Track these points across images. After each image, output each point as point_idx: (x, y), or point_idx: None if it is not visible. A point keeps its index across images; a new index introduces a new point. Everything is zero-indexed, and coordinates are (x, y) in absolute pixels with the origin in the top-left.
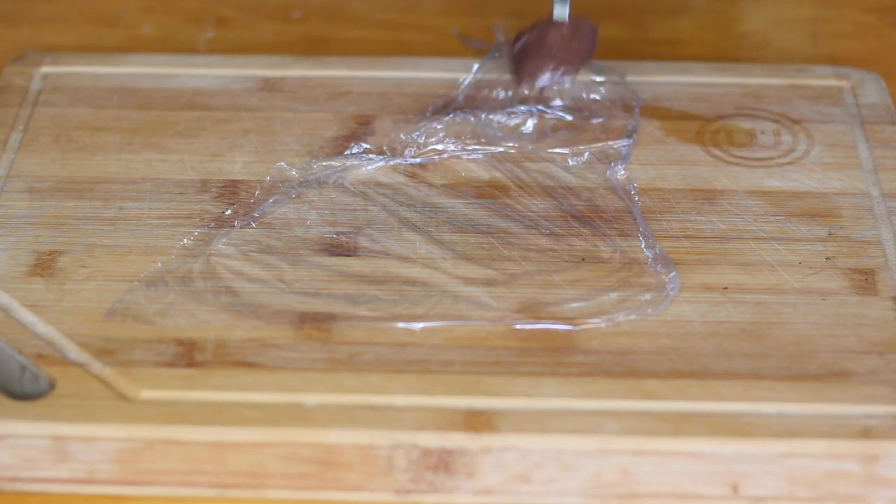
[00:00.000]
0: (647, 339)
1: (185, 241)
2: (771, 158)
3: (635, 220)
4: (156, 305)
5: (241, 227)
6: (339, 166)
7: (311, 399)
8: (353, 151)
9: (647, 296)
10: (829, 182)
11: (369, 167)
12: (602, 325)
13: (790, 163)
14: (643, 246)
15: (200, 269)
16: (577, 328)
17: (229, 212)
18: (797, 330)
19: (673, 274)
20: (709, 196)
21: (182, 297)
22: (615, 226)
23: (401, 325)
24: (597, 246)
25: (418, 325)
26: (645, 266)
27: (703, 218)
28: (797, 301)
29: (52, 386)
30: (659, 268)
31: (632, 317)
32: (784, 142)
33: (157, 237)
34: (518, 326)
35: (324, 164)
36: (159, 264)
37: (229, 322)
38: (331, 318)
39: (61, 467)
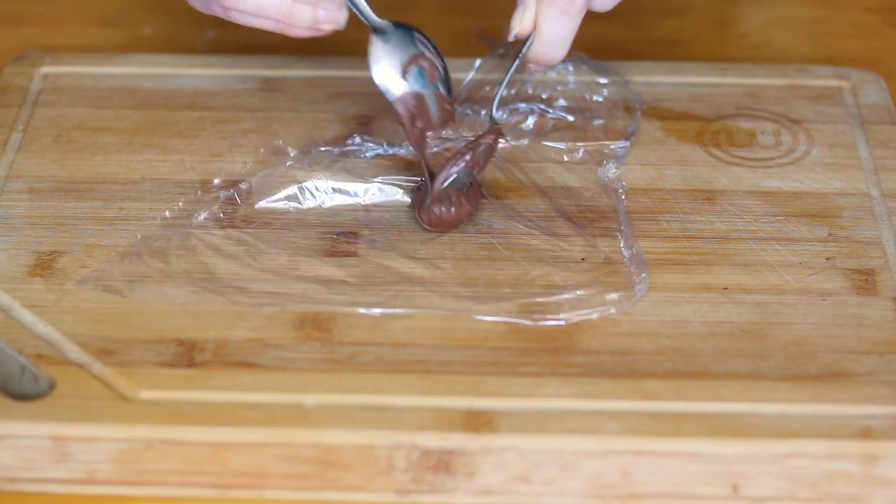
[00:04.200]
0: (647, 339)
1: (167, 213)
2: (771, 159)
3: (619, 218)
4: (126, 277)
5: (224, 199)
6: (336, 152)
7: (311, 399)
8: (355, 142)
9: (614, 296)
10: (829, 182)
11: (367, 154)
12: (562, 323)
13: (790, 163)
14: (622, 245)
15: (178, 245)
16: (535, 324)
17: (218, 181)
18: (797, 330)
19: (644, 275)
20: (709, 196)
21: (155, 272)
22: (598, 224)
23: (397, 322)
24: (564, 243)
25: (412, 311)
26: (618, 265)
27: (703, 218)
28: (797, 301)
29: (52, 386)
30: (632, 268)
31: (594, 316)
32: (784, 142)
33: (158, 237)
34: (477, 318)
35: (322, 149)
36: (139, 235)
37: (230, 322)
38: (331, 318)
39: (61, 467)
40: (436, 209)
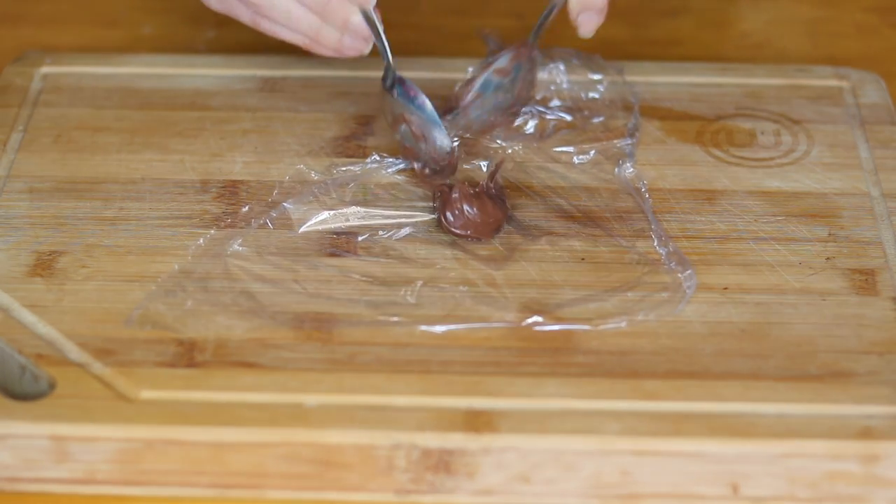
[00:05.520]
0: (647, 339)
1: (201, 241)
2: (771, 159)
3: (646, 217)
4: (175, 312)
5: (257, 228)
6: (359, 171)
7: (311, 399)
8: (374, 159)
9: (664, 295)
10: (829, 182)
11: (389, 170)
12: (623, 326)
13: (790, 163)
14: (655, 244)
15: (219, 274)
16: (595, 328)
17: (246, 208)
18: (797, 330)
19: (688, 272)
20: (709, 196)
21: (201, 303)
22: (626, 224)
23: (399, 328)
24: (598, 245)
25: (418, 328)
26: (658, 264)
27: (703, 218)
28: (797, 301)
29: (52, 386)
30: (673, 265)
31: (651, 316)
32: (784, 142)
33: (157, 237)
34: (537, 329)
35: (343, 168)
36: (176, 266)
37: (230, 322)
38: (331, 318)
39: (61, 467)
40: (465, 209)
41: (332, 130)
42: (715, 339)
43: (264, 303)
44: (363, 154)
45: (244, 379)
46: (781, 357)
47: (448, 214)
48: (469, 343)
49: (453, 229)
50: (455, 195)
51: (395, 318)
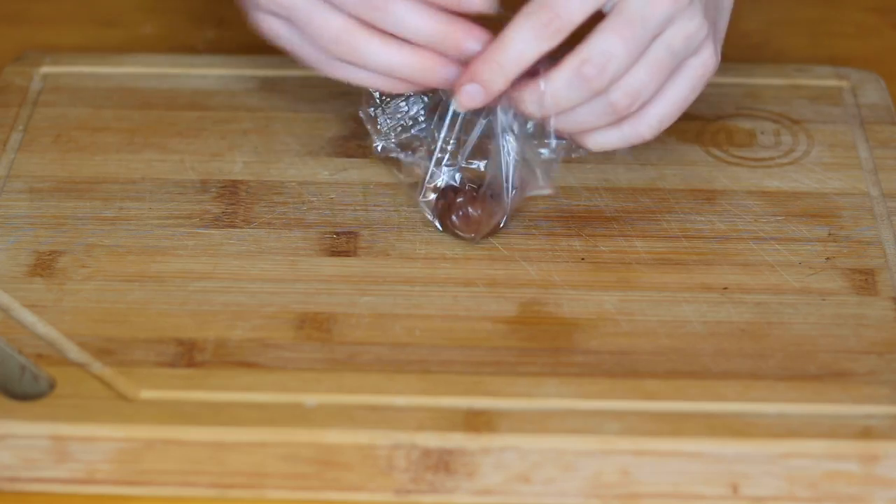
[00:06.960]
0: (647, 339)
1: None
2: (771, 158)
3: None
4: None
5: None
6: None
7: (311, 399)
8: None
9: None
10: (829, 182)
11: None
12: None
13: (790, 163)
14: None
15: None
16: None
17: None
18: (797, 330)
19: None
20: (709, 196)
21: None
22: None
23: (397, 322)
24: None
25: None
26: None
27: (702, 218)
28: (797, 301)
29: (52, 386)
30: None
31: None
32: (784, 142)
33: (157, 237)
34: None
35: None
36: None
37: (230, 322)
38: (331, 318)
39: (61, 467)
40: (469, 211)
41: (332, 130)
42: (715, 338)
43: (264, 303)
44: (363, 154)
45: (244, 379)
46: (781, 357)
47: (453, 217)
48: (469, 343)
49: (456, 231)
50: (459, 198)
51: (395, 318)
